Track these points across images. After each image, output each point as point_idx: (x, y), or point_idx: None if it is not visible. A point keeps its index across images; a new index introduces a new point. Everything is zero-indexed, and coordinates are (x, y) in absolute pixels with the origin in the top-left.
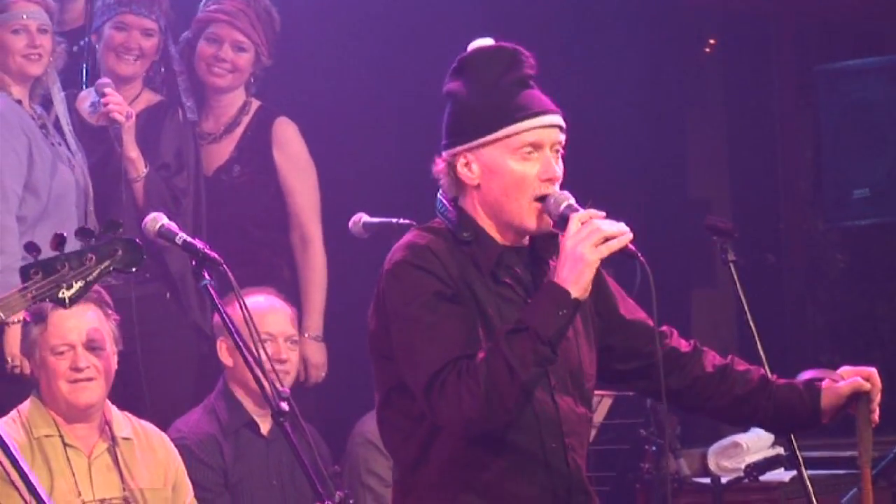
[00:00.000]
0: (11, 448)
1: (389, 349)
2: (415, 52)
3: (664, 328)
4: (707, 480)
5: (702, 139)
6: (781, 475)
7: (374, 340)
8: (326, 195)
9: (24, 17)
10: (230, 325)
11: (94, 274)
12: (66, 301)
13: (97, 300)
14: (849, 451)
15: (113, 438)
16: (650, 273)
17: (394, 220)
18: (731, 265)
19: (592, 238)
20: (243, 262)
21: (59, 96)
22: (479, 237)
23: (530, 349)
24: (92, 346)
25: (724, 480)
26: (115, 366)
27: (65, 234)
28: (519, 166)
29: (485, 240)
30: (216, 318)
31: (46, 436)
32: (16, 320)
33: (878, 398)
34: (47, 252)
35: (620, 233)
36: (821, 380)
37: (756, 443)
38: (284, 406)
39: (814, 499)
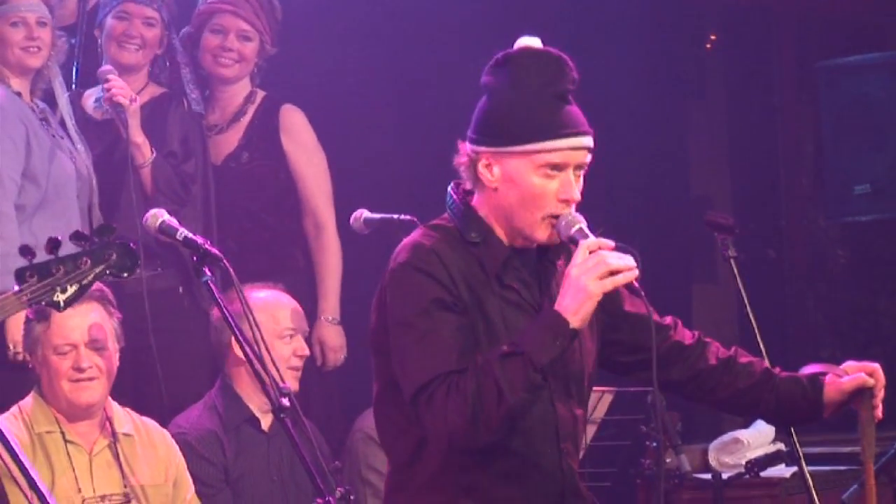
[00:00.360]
0: (13, 444)
1: (388, 346)
2: (414, 51)
3: (669, 320)
4: (708, 476)
5: (703, 135)
6: (782, 471)
7: (373, 335)
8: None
9: (23, 9)
10: (232, 322)
11: (89, 278)
12: (61, 304)
13: (100, 298)
14: (850, 446)
15: (114, 434)
16: (653, 311)
17: (395, 217)
18: (732, 261)
19: (598, 270)
20: (259, 251)
21: (61, 90)
22: (486, 239)
23: (522, 375)
24: (94, 346)
25: (724, 476)
26: (117, 364)
27: (59, 238)
28: (540, 182)
29: (492, 242)
30: (216, 314)
31: (47, 432)
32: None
33: (881, 394)
34: (42, 254)
35: (627, 268)
36: (824, 374)
37: (757, 438)
38: (286, 402)
39: (815, 495)
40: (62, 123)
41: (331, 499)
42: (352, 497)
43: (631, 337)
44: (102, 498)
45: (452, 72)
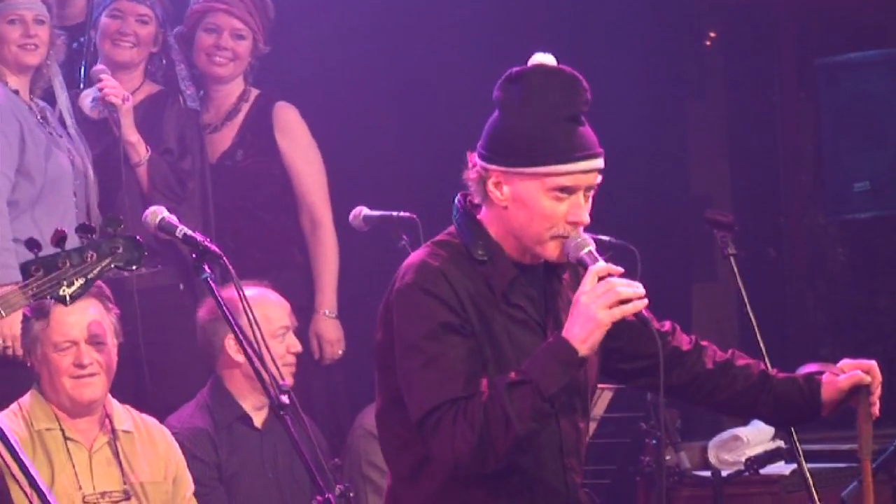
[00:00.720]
0: (13, 442)
1: (393, 362)
2: (414, 49)
3: (668, 326)
4: (708, 473)
5: (702, 132)
6: (782, 468)
7: (379, 351)
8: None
9: (20, 7)
10: (231, 319)
11: (95, 271)
12: (67, 298)
13: (97, 294)
14: (849, 444)
15: (113, 431)
16: (660, 342)
17: (394, 214)
18: (732, 258)
19: (608, 299)
20: (256, 248)
21: (61, 89)
22: (493, 257)
23: (529, 404)
24: (94, 342)
25: (724, 474)
26: (116, 359)
27: (66, 231)
28: (549, 204)
29: (500, 260)
30: (202, 315)
31: (47, 429)
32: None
33: (878, 391)
34: (48, 248)
35: (636, 296)
36: (821, 373)
37: (756, 436)
38: (285, 399)
39: (814, 492)
40: (62, 122)
41: (330, 496)
42: (351, 494)
43: (631, 345)
44: (102, 495)
45: (452, 70)
